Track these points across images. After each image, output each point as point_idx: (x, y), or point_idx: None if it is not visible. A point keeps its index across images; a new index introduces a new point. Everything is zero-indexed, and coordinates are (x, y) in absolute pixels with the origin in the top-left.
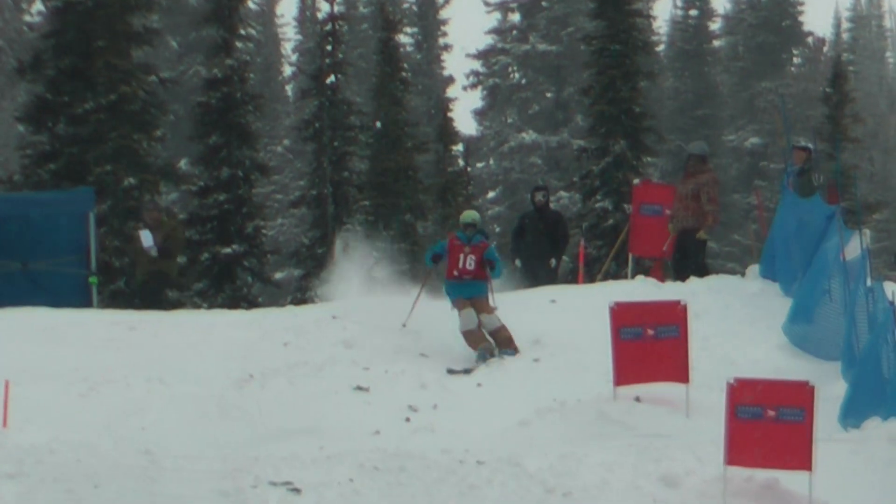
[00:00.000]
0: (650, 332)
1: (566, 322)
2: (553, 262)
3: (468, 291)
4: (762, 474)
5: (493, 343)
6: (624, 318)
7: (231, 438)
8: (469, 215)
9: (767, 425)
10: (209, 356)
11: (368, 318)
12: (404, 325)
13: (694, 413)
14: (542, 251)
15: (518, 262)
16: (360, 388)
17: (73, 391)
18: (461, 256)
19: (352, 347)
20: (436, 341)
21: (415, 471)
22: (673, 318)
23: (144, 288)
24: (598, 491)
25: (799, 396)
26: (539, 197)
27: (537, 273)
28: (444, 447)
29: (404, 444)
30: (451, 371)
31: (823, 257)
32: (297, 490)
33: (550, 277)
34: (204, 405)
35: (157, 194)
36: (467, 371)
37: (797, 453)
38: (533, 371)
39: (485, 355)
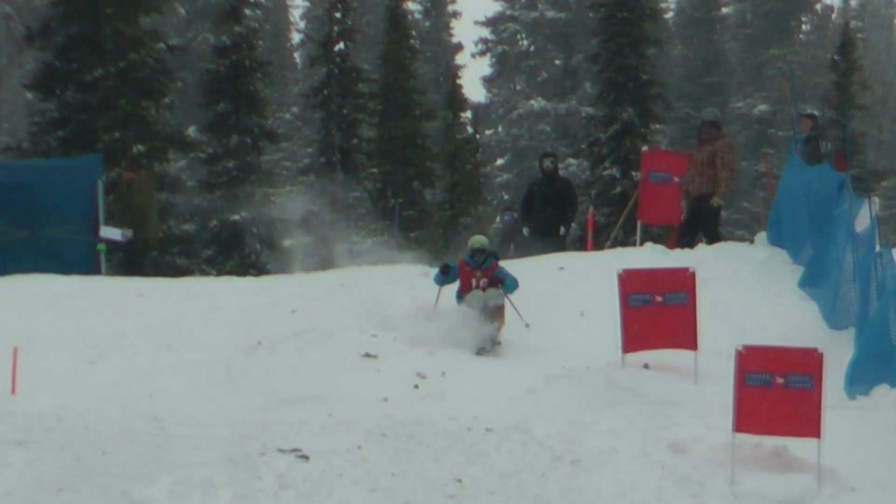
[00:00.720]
0: (658, 298)
1: (575, 289)
2: (562, 229)
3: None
4: (770, 441)
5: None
6: (632, 284)
7: (239, 405)
8: (478, 241)
9: (776, 392)
10: (217, 323)
11: (376, 286)
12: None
13: (702, 380)
14: (551, 218)
15: (526, 231)
16: (368, 356)
17: (81, 358)
18: (473, 281)
19: (360, 315)
20: (445, 308)
21: (423, 438)
22: (681, 284)
23: (133, 254)
24: (606, 458)
25: (807, 363)
26: (547, 164)
27: (546, 241)
28: (452, 414)
29: (412, 412)
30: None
31: (833, 225)
32: (305, 457)
33: (559, 245)
34: (212, 372)
35: (166, 161)
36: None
37: (805, 420)
38: (542, 338)
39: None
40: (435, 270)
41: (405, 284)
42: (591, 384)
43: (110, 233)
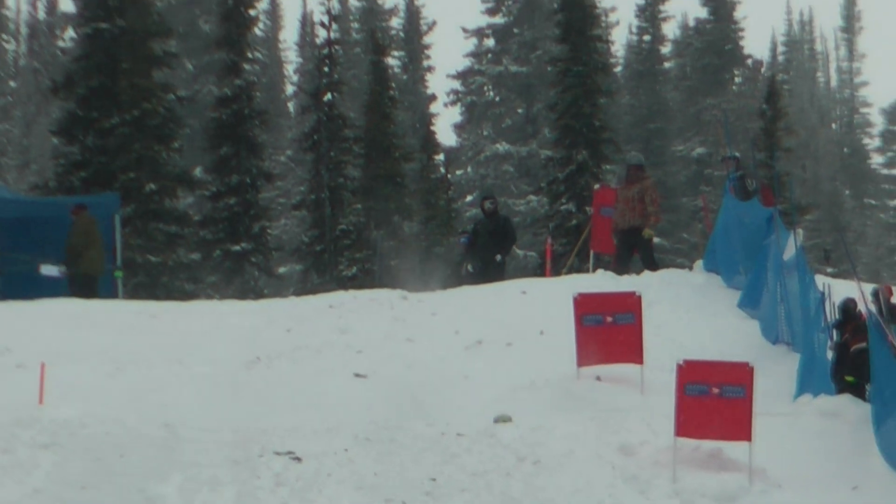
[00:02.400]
0: (609, 319)
1: (535, 310)
2: (499, 257)
3: None
4: (708, 444)
5: None
6: (586, 306)
7: (241, 413)
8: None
9: (712, 401)
10: (221, 341)
11: (361, 307)
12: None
13: (648, 390)
14: (492, 251)
15: (470, 267)
16: (358, 375)
17: (102, 371)
18: None
19: (346, 333)
20: (422, 329)
21: (403, 441)
22: (629, 306)
23: (75, 286)
24: (564, 459)
25: (740, 375)
26: (487, 205)
27: (488, 270)
28: (428, 421)
29: (393, 419)
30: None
31: (764, 254)
32: (298, 458)
33: (498, 272)
34: (217, 383)
35: (176, 198)
36: None
37: (738, 426)
38: (507, 354)
39: None
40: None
41: (386, 306)
42: (550, 394)
43: (49, 270)
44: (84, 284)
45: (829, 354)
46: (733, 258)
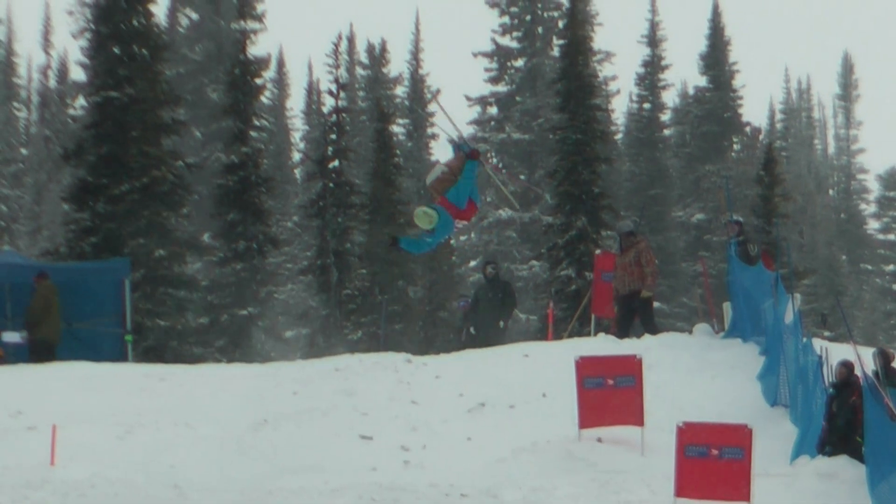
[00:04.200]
0: (610, 381)
1: (537, 373)
2: (501, 323)
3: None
4: None
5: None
6: (587, 369)
7: (248, 474)
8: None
9: (711, 462)
10: (229, 403)
11: (366, 370)
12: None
13: (648, 452)
14: (493, 315)
15: (472, 329)
16: (364, 437)
17: (111, 433)
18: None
19: (352, 396)
20: (426, 391)
21: (407, 502)
22: (630, 369)
23: (35, 352)
24: None
25: (739, 437)
26: (489, 270)
27: (489, 334)
28: (432, 481)
29: (398, 479)
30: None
31: (766, 318)
32: None
33: (500, 337)
34: (224, 445)
35: (184, 263)
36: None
37: (737, 487)
38: (509, 416)
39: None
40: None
41: (391, 369)
42: (551, 455)
43: (10, 337)
44: (43, 350)
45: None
46: (741, 319)
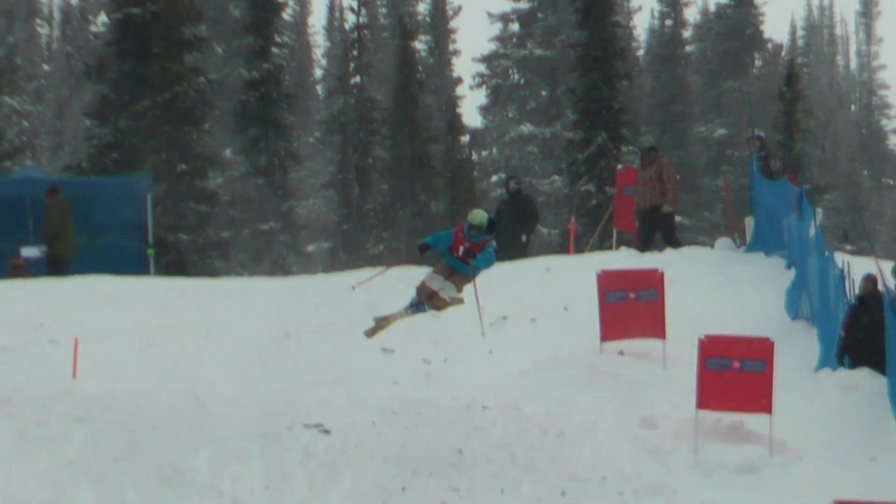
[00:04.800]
0: (632, 295)
1: (559, 287)
2: (524, 237)
3: (455, 264)
4: (729, 417)
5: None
6: (609, 283)
7: (270, 387)
8: (478, 217)
9: (733, 375)
10: (251, 317)
11: (388, 285)
12: (353, 288)
13: (670, 365)
14: (515, 230)
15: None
16: (386, 350)
17: (134, 347)
18: (462, 247)
19: (374, 309)
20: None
21: (428, 415)
22: (651, 283)
23: (52, 266)
24: (587, 432)
25: (760, 350)
26: (511, 185)
27: (512, 248)
28: (453, 395)
29: (420, 392)
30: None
31: (791, 233)
32: (326, 431)
33: (521, 251)
34: (246, 359)
35: (206, 178)
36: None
37: (759, 399)
38: (531, 329)
39: (414, 306)
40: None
41: (412, 283)
42: (573, 368)
43: (30, 251)
44: (58, 265)
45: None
46: (764, 233)
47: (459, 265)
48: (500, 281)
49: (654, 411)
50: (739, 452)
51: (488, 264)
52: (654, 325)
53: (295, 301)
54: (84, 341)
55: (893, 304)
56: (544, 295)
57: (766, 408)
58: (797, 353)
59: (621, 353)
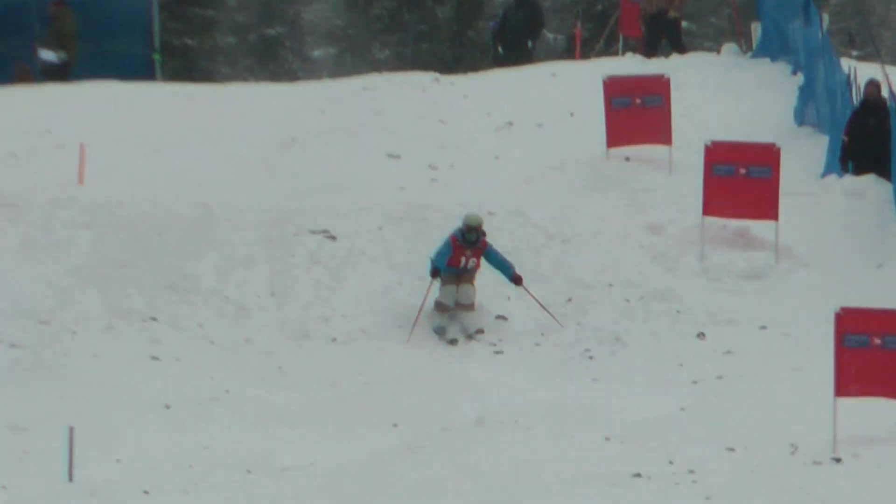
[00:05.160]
0: (638, 101)
1: (565, 93)
2: (529, 43)
3: (461, 272)
4: (735, 223)
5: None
6: (615, 89)
7: (276, 193)
8: (474, 219)
9: (739, 181)
10: (257, 123)
11: (394, 90)
12: (408, 341)
13: (676, 170)
14: (521, 35)
15: (500, 50)
16: (391, 156)
17: (139, 153)
18: (463, 259)
19: (380, 115)
20: (454, 111)
21: (434, 220)
22: (657, 89)
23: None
24: (592, 238)
25: (766, 156)
26: None
27: (518, 55)
28: (459, 200)
29: (426, 198)
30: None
31: (796, 37)
32: (332, 237)
33: (527, 56)
34: (253, 164)
35: None
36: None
37: (765, 205)
38: (537, 135)
39: (440, 331)
40: (430, 264)
41: (418, 89)
42: (579, 174)
43: (47, 55)
44: (64, 70)
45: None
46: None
47: (464, 272)
48: (506, 86)
49: (659, 217)
50: (745, 259)
51: (511, 269)
52: (660, 130)
53: (301, 106)
54: (90, 147)
55: None
56: (550, 101)
57: (772, 214)
58: (803, 159)
59: (627, 159)
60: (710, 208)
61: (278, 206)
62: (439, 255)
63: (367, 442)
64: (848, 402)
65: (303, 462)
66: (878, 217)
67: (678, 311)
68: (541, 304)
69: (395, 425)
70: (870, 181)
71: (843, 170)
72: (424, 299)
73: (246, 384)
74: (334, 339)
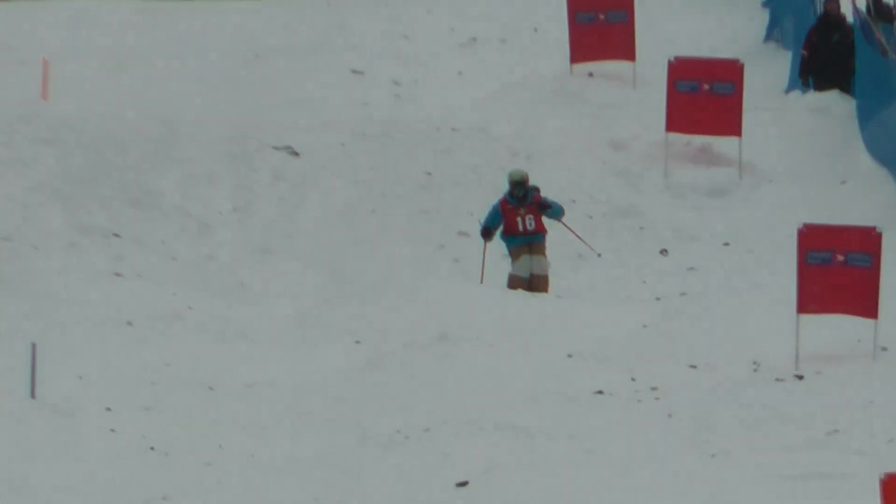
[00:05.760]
0: (602, 16)
1: (529, 7)
2: None
3: (529, 240)
4: (699, 139)
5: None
6: (578, 4)
7: (239, 109)
8: (517, 174)
9: (703, 97)
10: (221, 38)
11: (357, 4)
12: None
13: (640, 86)
14: None
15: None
16: (355, 72)
17: (103, 69)
18: (519, 219)
19: (343, 30)
20: (417, 26)
21: (398, 137)
22: (622, 3)
23: None
24: (556, 153)
25: (730, 72)
26: None
27: None
28: (423, 116)
29: (389, 114)
30: None
31: None
32: (295, 153)
33: None
34: (216, 80)
35: None
36: None
37: (728, 121)
38: (500, 51)
39: None
40: (480, 226)
41: (381, 4)
42: (543, 90)
43: None
44: None
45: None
46: None
47: (530, 238)
48: (469, 2)
49: (623, 134)
50: (709, 175)
51: (562, 210)
52: (624, 46)
53: (265, 22)
54: (53, 63)
55: (863, 26)
56: (514, 15)
57: (736, 130)
58: (767, 75)
59: (591, 74)
60: (673, 124)
61: (241, 122)
62: (487, 217)
63: (330, 358)
64: (810, 319)
65: (265, 379)
66: (842, 133)
67: (641, 228)
68: (578, 237)
69: (357, 342)
70: (834, 97)
71: (804, 84)
72: (483, 262)
73: (208, 301)
74: (296, 256)
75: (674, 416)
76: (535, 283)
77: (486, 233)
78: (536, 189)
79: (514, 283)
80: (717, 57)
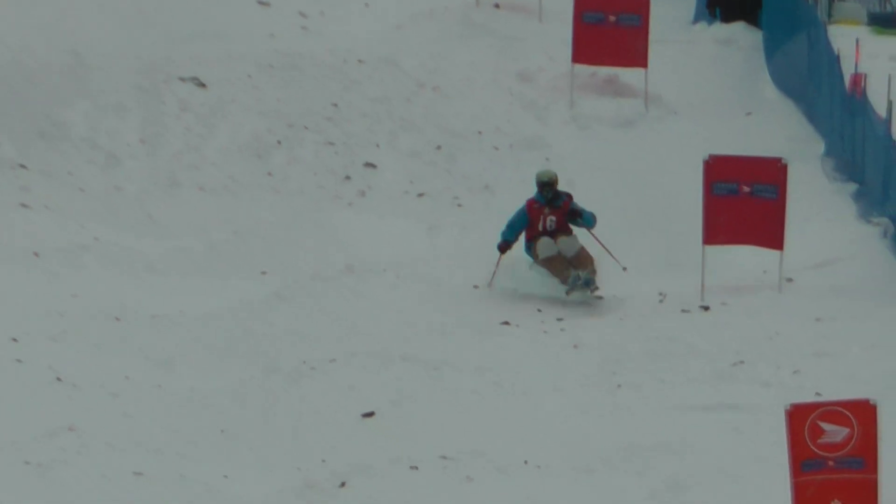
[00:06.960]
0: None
1: None
2: None
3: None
4: (604, 71)
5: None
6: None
7: (146, 40)
8: (546, 174)
9: (608, 28)
10: None
11: None
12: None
13: (546, 18)
14: None
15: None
16: (261, 3)
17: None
18: (541, 218)
19: None
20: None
21: (305, 68)
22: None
23: None
24: (463, 85)
25: (635, 4)
26: None
27: None
28: (330, 48)
29: (296, 46)
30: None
31: None
32: (202, 85)
33: None
34: (124, 12)
35: None
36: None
37: (634, 53)
38: None
39: (576, 283)
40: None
41: None
42: (449, 21)
43: None
44: None
45: None
46: None
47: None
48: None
49: (530, 65)
50: (615, 106)
51: (594, 220)
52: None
53: None
54: None
55: None
56: None
57: (642, 62)
58: (674, 5)
59: (497, 6)
60: (579, 56)
61: (149, 54)
62: (510, 226)
63: (237, 290)
64: (716, 250)
65: (172, 310)
66: (748, 65)
67: (547, 159)
68: (606, 249)
69: (263, 273)
70: (740, 28)
71: (711, 15)
72: (496, 269)
73: (116, 232)
74: (203, 188)
75: (580, 347)
76: (575, 262)
77: (505, 247)
78: (569, 195)
79: (552, 265)
80: None
